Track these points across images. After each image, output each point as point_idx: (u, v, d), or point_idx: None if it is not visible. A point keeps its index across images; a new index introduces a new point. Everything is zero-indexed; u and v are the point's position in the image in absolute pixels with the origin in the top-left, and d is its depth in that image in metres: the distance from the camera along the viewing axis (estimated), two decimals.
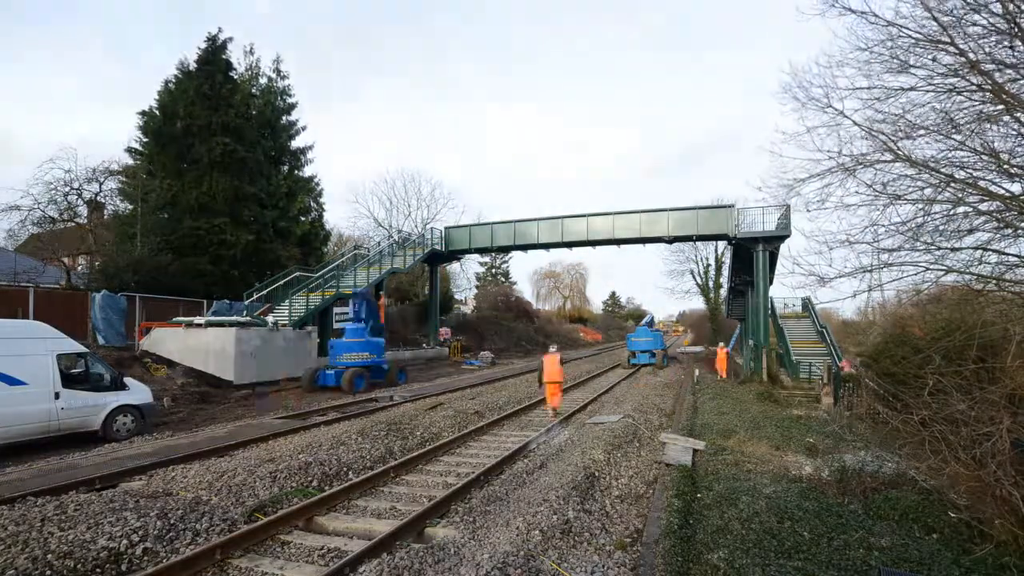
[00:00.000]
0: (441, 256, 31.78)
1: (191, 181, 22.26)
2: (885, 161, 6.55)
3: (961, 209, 6.09)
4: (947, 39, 5.94)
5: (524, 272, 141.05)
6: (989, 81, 5.82)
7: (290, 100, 31.05)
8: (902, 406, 8.50)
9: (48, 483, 6.99)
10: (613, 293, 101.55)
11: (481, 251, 34.00)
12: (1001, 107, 5.83)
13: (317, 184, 32.37)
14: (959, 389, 6.20)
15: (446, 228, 32.16)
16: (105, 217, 22.85)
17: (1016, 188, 5.98)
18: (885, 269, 6.55)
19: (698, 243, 45.87)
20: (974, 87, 5.98)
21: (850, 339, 23.45)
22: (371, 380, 17.87)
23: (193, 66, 23.36)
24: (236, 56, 26.53)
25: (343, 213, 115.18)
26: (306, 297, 22.00)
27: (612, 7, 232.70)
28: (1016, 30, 5.64)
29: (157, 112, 24.11)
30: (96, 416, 10.11)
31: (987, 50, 5.88)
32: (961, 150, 6.15)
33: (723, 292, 48.11)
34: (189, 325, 17.04)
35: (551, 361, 13.26)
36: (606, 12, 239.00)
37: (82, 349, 10.35)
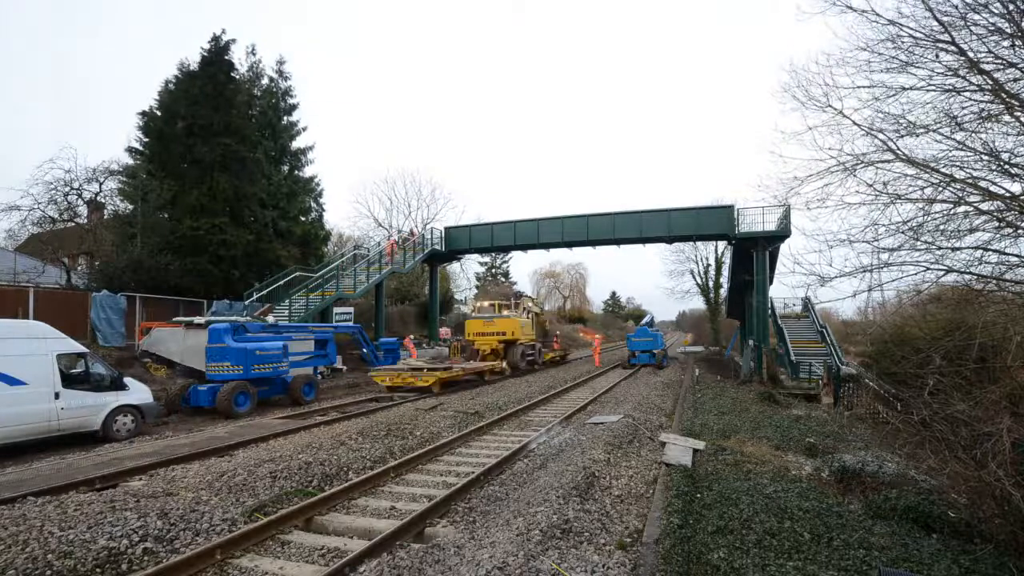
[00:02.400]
0: (441, 256, 31.77)
1: (192, 181, 22.24)
2: (885, 161, 6.55)
3: (961, 209, 6.09)
4: (948, 38, 5.95)
5: (524, 272, 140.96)
6: (990, 80, 5.82)
7: (292, 101, 31.06)
8: (902, 406, 8.51)
9: (48, 483, 6.99)
10: (613, 293, 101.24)
11: (481, 251, 34.01)
12: (1002, 107, 5.84)
13: (317, 184, 32.39)
14: (959, 389, 6.20)
15: (446, 228, 32.15)
16: (105, 217, 22.86)
17: (1016, 188, 5.99)
18: (885, 269, 6.56)
19: (698, 243, 45.97)
20: (975, 87, 5.99)
21: (850, 339, 23.46)
22: (265, 396, 14.07)
23: (194, 67, 23.36)
24: (238, 56, 26.51)
25: (343, 213, 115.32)
26: (306, 297, 22.03)
27: (616, 8, 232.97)
28: (1017, 30, 5.64)
29: (158, 112, 24.14)
30: (96, 416, 10.12)
31: (988, 49, 5.88)
32: (961, 150, 6.15)
33: (723, 292, 48.14)
34: (189, 325, 17.03)
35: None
36: (609, 12, 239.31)
37: (82, 349, 10.36)
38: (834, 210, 6.97)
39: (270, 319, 18.86)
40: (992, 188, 5.98)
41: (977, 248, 6.17)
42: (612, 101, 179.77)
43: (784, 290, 36.80)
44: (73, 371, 10.19)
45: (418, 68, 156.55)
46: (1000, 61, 5.81)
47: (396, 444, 9.50)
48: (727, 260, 42.34)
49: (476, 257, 48.99)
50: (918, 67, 6.24)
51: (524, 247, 30.16)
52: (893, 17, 6.27)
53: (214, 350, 13.51)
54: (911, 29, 6.17)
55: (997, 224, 6.00)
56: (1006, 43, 5.80)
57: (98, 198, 21.79)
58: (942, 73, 6.10)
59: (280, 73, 30.94)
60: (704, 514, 6.04)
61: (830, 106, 6.95)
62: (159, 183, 21.89)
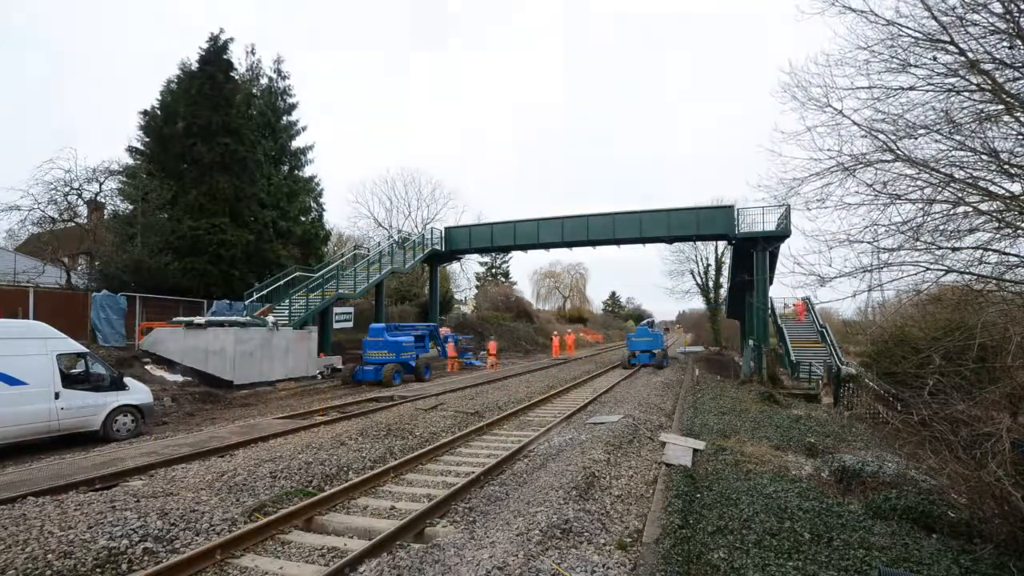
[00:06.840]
0: (441, 256, 31.77)
1: (191, 181, 22.24)
2: (885, 161, 6.54)
3: (961, 209, 6.08)
4: (947, 38, 5.94)
5: (524, 272, 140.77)
6: (989, 81, 5.82)
7: (291, 100, 31.04)
8: (902, 406, 8.52)
9: (48, 483, 6.99)
10: (613, 293, 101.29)
11: (481, 251, 34.00)
12: (1001, 107, 5.83)
13: (317, 184, 32.37)
14: (959, 389, 6.20)
15: (446, 228, 32.15)
16: (105, 217, 22.85)
17: (1016, 188, 5.98)
18: (885, 269, 6.54)
19: (698, 243, 45.97)
20: (974, 87, 5.98)
21: (850, 339, 23.46)
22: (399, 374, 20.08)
23: (195, 66, 23.36)
24: (237, 56, 26.47)
25: (343, 213, 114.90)
26: (306, 297, 22.02)
27: (617, 8, 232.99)
28: (1016, 29, 5.64)
29: (159, 112, 24.13)
30: (96, 416, 10.12)
31: (987, 49, 5.88)
32: (961, 150, 6.14)
33: (723, 292, 48.15)
34: (189, 325, 17.04)
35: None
36: (610, 11, 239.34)
37: (82, 349, 10.36)
38: (834, 210, 6.95)
39: (270, 319, 18.90)
40: (992, 188, 5.97)
41: (977, 248, 6.17)
42: (613, 100, 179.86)
43: (784, 290, 36.87)
44: (73, 371, 10.19)
45: (418, 67, 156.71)
46: (999, 61, 5.81)
47: (396, 444, 9.51)
48: (727, 260, 42.37)
49: (476, 257, 48.95)
50: (917, 67, 6.24)
51: (524, 247, 30.17)
52: (892, 17, 6.26)
53: (372, 342, 19.80)
54: (910, 29, 6.17)
55: (997, 224, 5.99)
56: (1005, 43, 5.79)
57: (98, 198, 21.76)
58: (941, 73, 6.10)
59: (279, 72, 30.93)
60: (704, 514, 6.04)
61: (830, 106, 6.94)
62: (159, 183, 21.89)
